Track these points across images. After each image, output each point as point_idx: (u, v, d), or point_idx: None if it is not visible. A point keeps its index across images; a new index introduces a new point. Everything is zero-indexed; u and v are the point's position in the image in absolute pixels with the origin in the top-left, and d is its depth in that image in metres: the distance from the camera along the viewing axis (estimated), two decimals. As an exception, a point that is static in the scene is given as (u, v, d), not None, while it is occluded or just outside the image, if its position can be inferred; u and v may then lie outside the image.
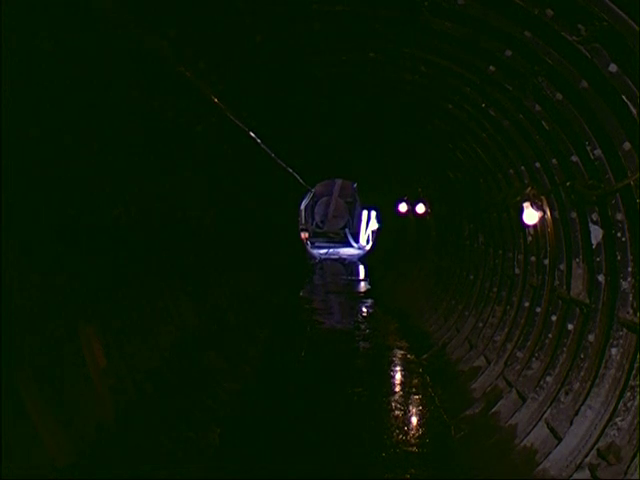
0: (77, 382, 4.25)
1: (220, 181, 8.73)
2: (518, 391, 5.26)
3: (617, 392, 3.95)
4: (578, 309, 4.76)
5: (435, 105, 6.89)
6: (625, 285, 4.01)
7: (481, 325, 7.11)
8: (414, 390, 7.07)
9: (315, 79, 7.16)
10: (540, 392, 4.89)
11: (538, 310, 5.57)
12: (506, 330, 6.30)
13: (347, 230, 32.00)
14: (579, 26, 3.46)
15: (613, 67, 3.46)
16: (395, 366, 8.18)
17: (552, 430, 4.39)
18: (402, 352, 8.75)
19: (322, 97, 8.33)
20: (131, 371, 5.05)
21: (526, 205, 5.45)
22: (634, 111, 3.43)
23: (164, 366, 5.66)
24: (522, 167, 5.69)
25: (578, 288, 4.82)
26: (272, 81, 6.95)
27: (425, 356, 8.10)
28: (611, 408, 3.93)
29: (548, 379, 4.86)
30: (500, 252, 7.05)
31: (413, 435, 5.70)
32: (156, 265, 6.21)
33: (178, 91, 5.48)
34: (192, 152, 7.07)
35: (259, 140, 8.72)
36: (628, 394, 3.80)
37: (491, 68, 4.91)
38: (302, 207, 26.61)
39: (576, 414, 4.20)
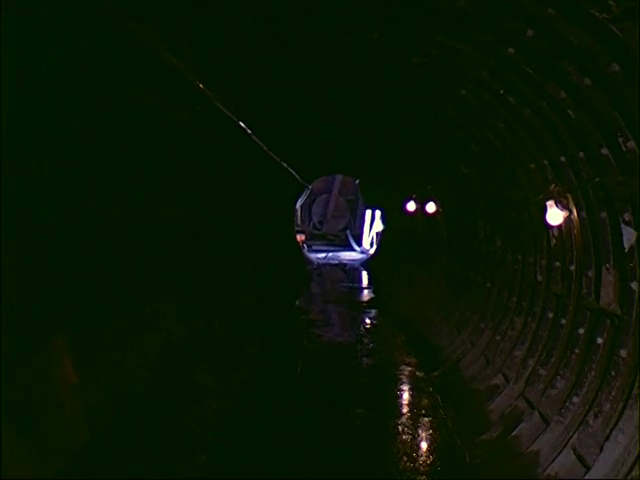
0: (44, 402, 4.21)
1: (208, 178, 8.70)
2: (541, 413, 5.23)
3: (653, 415, 3.91)
4: (608, 321, 4.73)
5: (447, 92, 6.88)
6: (662, 294, 3.97)
7: (499, 339, 7.09)
8: (423, 412, 7.03)
9: (312, 63, 7.14)
10: (566, 414, 4.86)
11: (563, 322, 5.55)
12: (527, 344, 6.27)
13: (348, 232, 32.02)
14: (610, 2, 3.43)
15: (648, 48, 3.43)
16: (402, 385, 8.15)
17: (579, 457, 4.35)
18: (410, 369, 8.72)
19: (320, 83, 8.31)
20: (108, 389, 5.01)
21: (550, 204, 5.43)
22: (672, 98, 3.40)
23: (146, 382, 5.63)
24: (545, 161, 5.66)
25: (608, 297, 4.79)
26: (264, 65, 6.94)
27: (436, 373, 8.08)
28: (646, 433, 3.89)
29: (575, 400, 4.83)
30: (520, 257, 7.01)
31: (422, 463, 5.66)
32: (137, 271, 6.17)
33: (160, 77, 5.47)
34: (177, 146, 7.04)
35: (250, 131, 8.69)
36: (666, 417, 3.76)
37: (510, 50, 4.88)
38: (298, 206, 26.59)
39: (607, 439, 4.16)
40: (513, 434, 5.34)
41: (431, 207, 11.31)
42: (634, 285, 4.34)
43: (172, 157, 7.03)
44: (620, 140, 4.05)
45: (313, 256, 25.55)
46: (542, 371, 5.63)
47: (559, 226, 5.65)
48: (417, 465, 5.58)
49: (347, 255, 27.37)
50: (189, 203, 8.17)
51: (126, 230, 5.84)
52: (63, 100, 4.44)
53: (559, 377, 5.24)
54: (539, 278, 6.40)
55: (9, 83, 3.64)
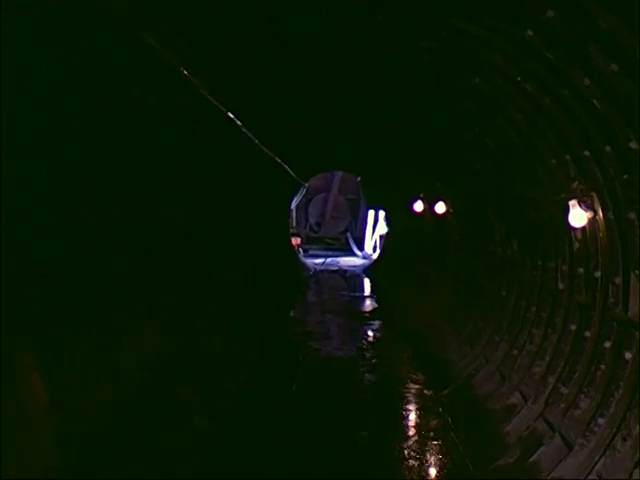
0: (9, 425, 4.17)
1: (190, 176, 8.67)
2: (563, 436, 5.21)
3: (688, 438, 3.88)
4: (637, 333, 4.70)
5: (458, 80, 6.88)
6: (698, 303, 3.95)
7: (516, 353, 7.06)
8: (432, 435, 7.00)
9: (310, 46, 7.14)
10: (590, 437, 4.83)
11: (587, 334, 5.52)
12: (547, 359, 6.24)
13: (349, 235, 32.02)
14: (640, -21, 3.42)
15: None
16: (408, 404, 8.12)
17: (606, 486, 4.32)
18: (417, 387, 8.70)
19: (318, 71, 8.30)
20: (81, 410, 4.98)
21: (572, 203, 5.41)
22: None
23: (123, 402, 5.60)
24: (567, 156, 5.64)
25: (637, 307, 4.76)
26: (256, 50, 6.92)
27: (445, 392, 8.06)
28: (681, 458, 3.87)
29: (600, 421, 4.80)
30: (539, 262, 6.99)
31: (431, 491, 5.63)
32: (114, 278, 6.15)
33: (141, 63, 5.49)
34: (159, 139, 7.03)
35: (240, 123, 8.69)
36: (702, 441, 3.73)
37: (529, 33, 4.86)
38: (293, 206, 26.60)
39: (636, 466, 4.13)
40: (532, 459, 5.31)
41: (440, 207, 11.29)
42: (667, 294, 4.32)
43: (155, 153, 7.02)
44: (651, 132, 4.03)
45: (310, 262, 25.53)
46: (564, 389, 5.60)
47: (583, 228, 5.63)
48: (425, 494, 5.55)
49: (347, 260, 27.37)
50: (173, 204, 8.15)
51: (98, 235, 5.82)
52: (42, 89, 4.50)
53: (583, 396, 5.22)
54: (561, 286, 6.37)
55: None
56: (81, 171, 5.35)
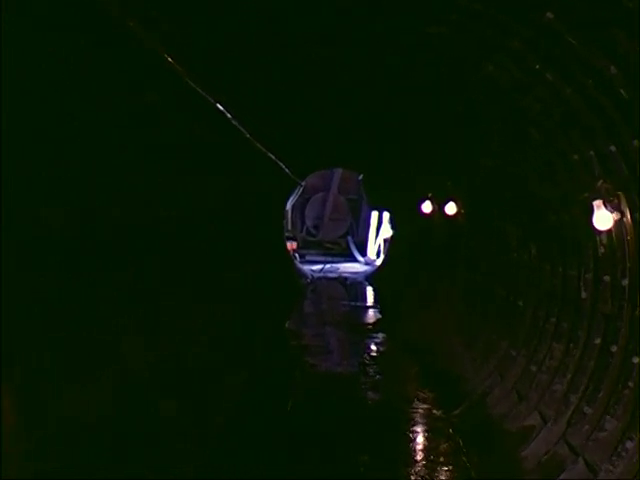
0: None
1: (178, 170, 8.67)
2: (587, 461, 5.19)
3: None
4: (669, 347, 4.69)
5: (470, 67, 6.88)
6: None
7: (534, 369, 7.04)
8: (442, 459, 6.96)
9: (307, 29, 7.14)
10: (617, 463, 4.81)
11: (614, 349, 5.50)
12: (569, 376, 6.22)
13: (349, 239, 32.01)
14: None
15: None
16: (415, 425, 8.10)
17: (635, 516, 4.30)
18: (425, 406, 8.67)
19: (316, 57, 8.30)
20: (54, 432, 4.97)
21: (597, 204, 5.40)
22: None
23: (102, 423, 5.58)
24: (591, 152, 5.63)
25: (669, 318, 4.75)
26: (246, 34, 6.94)
27: (457, 412, 8.04)
28: None
29: (628, 445, 4.79)
30: (560, 268, 6.98)
31: (441, 523, 5.61)
32: (91, 285, 6.14)
33: (122, 49, 5.53)
34: (140, 131, 7.03)
35: (230, 115, 8.68)
36: None
37: (548, 15, 4.85)
38: (289, 207, 26.61)
39: (669, 494, 4.10)
40: (553, 487, 5.29)
41: (451, 208, 11.28)
42: (701, 303, 4.30)
43: (136, 146, 7.02)
44: (684, 125, 4.02)
45: (307, 268, 25.52)
46: (588, 409, 5.59)
47: (608, 231, 5.62)
48: (434, 525, 5.52)
49: (348, 267, 27.35)
50: (156, 203, 8.14)
51: (72, 238, 5.83)
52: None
53: (609, 417, 5.20)
54: (584, 295, 6.35)
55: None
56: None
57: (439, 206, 12.29)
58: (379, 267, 24.54)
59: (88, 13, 4.54)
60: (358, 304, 18.61)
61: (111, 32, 4.89)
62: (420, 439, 7.74)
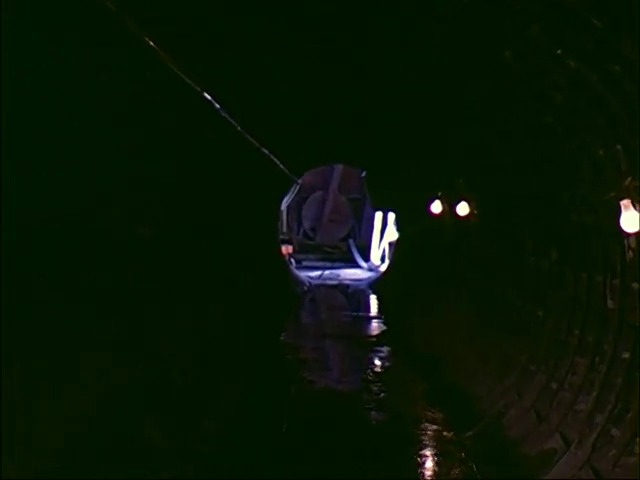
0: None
1: (161, 167, 8.66)
2: (614, 489, 5.17)
3: None
4: None
5: (484, 53, 6.88)
6: None
7: (555, 386, 7.05)
8: (454, 486, 6.96)
9: (304, 19, 7.17)
10: (648, 490, 4.79)
11: (644, 364, 5.49)
12: (594, 394, 6.22)
13: (351, 242, 32.01)
14: None
15: None
16: (424, 449, 8.07)
17: None
18: (434, 427, 8.65)
19: (313, 40, 8.30)
20: (18, 457, 4.93)
21: (625, 204, 5.40)
22: None
23: (71, 449, 5.57)
24: (618, 146, 5.63)
25: None
26: (241, 26, 6.98)
27: (469, 433, 8.02)
28: None
29: (660, 470, 4.76)
30: (584, 275, 6.97)
31: None
32: (61, 294, 6.13)
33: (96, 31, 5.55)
34: (120, 123, 7.05)
35: (218, 105, 8.67)
36: None
37: (571, -5, 4.85)
38: (284, 207, 26.60)
39: None
40: (576, 517, 5.28)
41: (463, 208, 11.29)
42: None
43: (116, 139, 7.02)
44: None
45: (304, 275, 25.52)
46: (615, 431, 5.59)
47: (637, 233, 5.61)
48: None
49: (350, 273, 27.38)
50: (137, 203, 8.13)
51: (39, 241, 5.85)
52: None
53: (638, 439, 5.18)
54: (610, 304, 6.35)
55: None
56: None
57: (450, 206, 12.30)
58: (383, 273, 24.54)
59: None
60: (360, 314, 18.63)
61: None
62: (429, 464, 7.72)
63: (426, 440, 8.31)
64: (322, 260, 30.49)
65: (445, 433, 8.42)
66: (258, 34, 7.93)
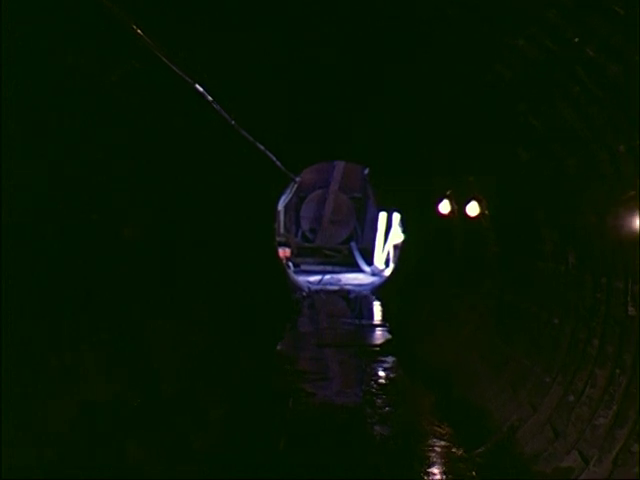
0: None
1: (149, 163, 8.67)
2: (636, 510, 5.16)
3: None
4: None
5: (498, 41, 6.89)
6: None
7: (572, 400, 7.04)
8: (464, 507, 6.97)
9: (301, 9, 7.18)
10: (673, 512, 4.79)
11: (668, 376, 5.49)
12: (614, 408, 6.22)
13: (353, 245, 32.06)
14: None
15: None
16: (431, 467, 8.07)
17: None
18: (443, 443, 8.66)
19: (313, 30, 8.31)
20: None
21: (647, 203, 5.39)
22: None
23: (51, 468, 5.53)
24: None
25: None
26: (231, 3, 6.98)
27: (480, 450, 8.02)
28: None
29: (686, 490, 4.76)
30: (603, 280, 6.97)
31: None
32: (41, 300, 6.13)
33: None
34: (106, 116, 7.06)
35: (211, 98, 8.67)
36: None
37: (590, -21, 4.86)
38: (281, 207, 26.62)
39: None
40: (595, 541, 5.28)
41: (473, 208, 11.31)
42: None
43: (102, 134, 7.02)
44: None
45: (303, 279, 25.54)
46: (636, 447, 5.58)
47: (661, 236, 5.61)
48: None
49: (351, 278, 27.41)
50: (122, 202, 8.14)
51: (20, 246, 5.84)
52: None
53: (662, 457, 5.18)
54: (631, 311, 6.35)
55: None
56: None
57: (459, 206, 12.30)
58: (388, 278, 24.57)
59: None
60: (363, 322, 18.64)
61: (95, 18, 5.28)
62: (437, 483, 7.76)
63: (434, 457, 8.31)
64: (322, 264, 30.59)
65: (454, 450, 8.43)
66: (252, 26, 7.96)
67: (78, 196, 6.93)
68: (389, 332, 16.55)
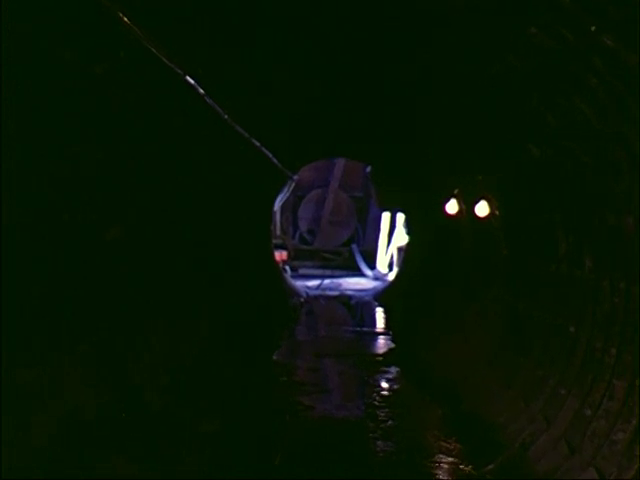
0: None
1: (138, 161, 8.67)
2: (658, 531, 5.15)
3: None
4: None
5: (508, 31, 6.87)
6: None
7: (589, 413, 7.02)
8: (473, 528, 6.96)
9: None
10: (697, 534, 4.77)
11: (691, 387, 5.47)
12: (634, 422, 6.21)
13: (354, 247, 32.08)
14: None
15: None
16: (439, 484, 8.09)
17: None
18: (450, 460, 8.66)
19: (312, 20, 8.31)
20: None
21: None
22: None
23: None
24: (660, 136, 5.62)
25: None
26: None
27: (490, 467, 8.00)
28: None
29: None
30: (622, 285, 6.95)
31: None
32: (23, 307, 6.12)
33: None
34: (91, 111, 7.06)
35: (202, 91, 8.67)
36: None
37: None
38: (277, 207, 26.62)
39: None
40: None
41: (483, 209, 11.32)
42: None
43: (90, 129, 7.02)
44: None
45: (300, 284, 25.56)
46: (658, 464, 5.56)
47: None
48: None
49: (353, 282, 27.42)
50: (105, 204, 8.13)
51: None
52: None
53: (685, 474, 5.17)
54: (652, 319, 6.34)
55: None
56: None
57: (467, 206, 12.31)
58: (391, 283, 24.58)
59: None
60: (365, 330, 18.67)
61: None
62: (444, 502, 7.75)
63: (440, 474, 8.30)
64: (321, 268, 30.58)
65: (462, 466, 8.42)
66: (250, 19, 7.99)
67: (69, 192, 6.95)
68: (392, 340, 16.58)
